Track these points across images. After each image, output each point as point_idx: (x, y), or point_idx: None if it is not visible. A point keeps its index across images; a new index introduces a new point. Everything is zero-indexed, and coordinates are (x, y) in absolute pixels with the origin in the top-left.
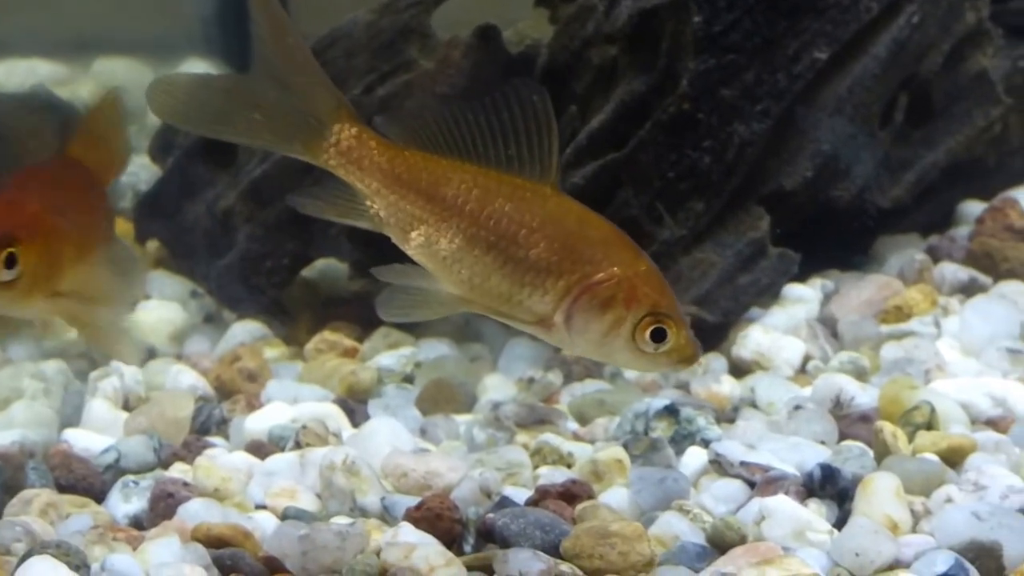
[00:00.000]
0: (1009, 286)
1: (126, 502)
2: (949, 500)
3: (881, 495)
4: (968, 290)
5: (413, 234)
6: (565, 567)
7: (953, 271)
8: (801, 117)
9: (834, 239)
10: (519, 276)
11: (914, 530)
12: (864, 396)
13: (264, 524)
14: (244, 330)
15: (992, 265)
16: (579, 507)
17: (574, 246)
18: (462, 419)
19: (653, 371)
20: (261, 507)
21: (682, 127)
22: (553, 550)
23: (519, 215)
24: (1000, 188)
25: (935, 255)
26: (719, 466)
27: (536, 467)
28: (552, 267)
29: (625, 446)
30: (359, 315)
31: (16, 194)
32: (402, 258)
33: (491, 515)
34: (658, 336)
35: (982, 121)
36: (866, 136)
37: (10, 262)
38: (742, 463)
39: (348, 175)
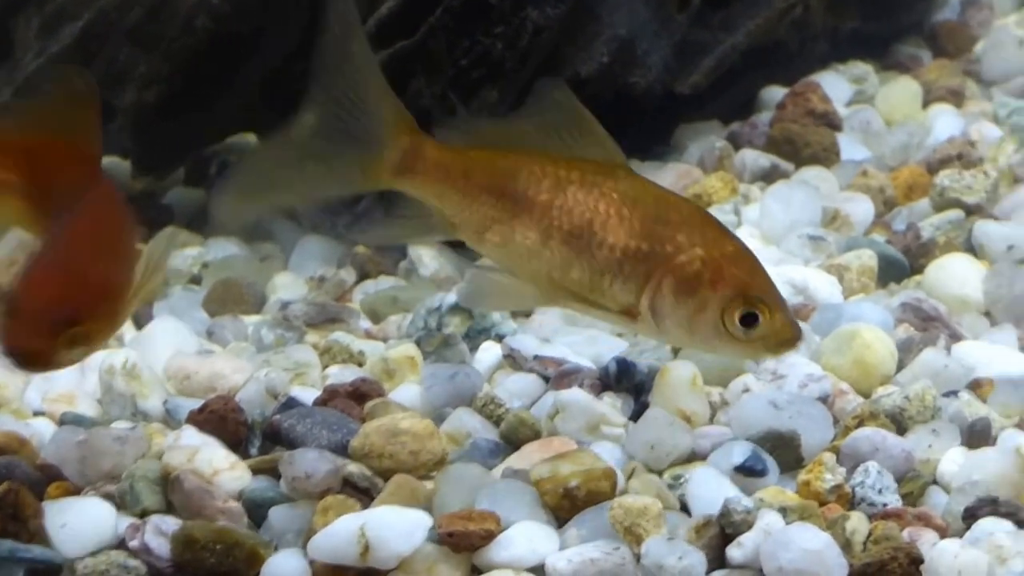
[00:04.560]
0: (810, 172)
1: None
2: (747, 390)
3: (677, 386)
4: (769, 176)
5: (487, 234)
6: (353, 467)
7: (754, 158)
8: (596, 1)
9: (633, 127)
10: (599, 265)
11: (712, 421)
12: None
13: (42, 431)
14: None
15: (794, 151)
16: (369, 405)
17: (653, 229)
18: (250, 320)
19: (749, 358)
20: (39, 414)
21: (474, 13)
22: (341, 450)
23: (593, 202)
24: (802, 73)
25: (736, 142)
26: (513, 361)
27: (326, 367)
28: (631, 253)
29: (418, 343)
30: (144, 215)
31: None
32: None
33: (277, 416)
34: (749, 321)
35: (782, 3)
36: (663, 20)
37: (77, 339)
38: (536, 357)
39: (412, 187)
